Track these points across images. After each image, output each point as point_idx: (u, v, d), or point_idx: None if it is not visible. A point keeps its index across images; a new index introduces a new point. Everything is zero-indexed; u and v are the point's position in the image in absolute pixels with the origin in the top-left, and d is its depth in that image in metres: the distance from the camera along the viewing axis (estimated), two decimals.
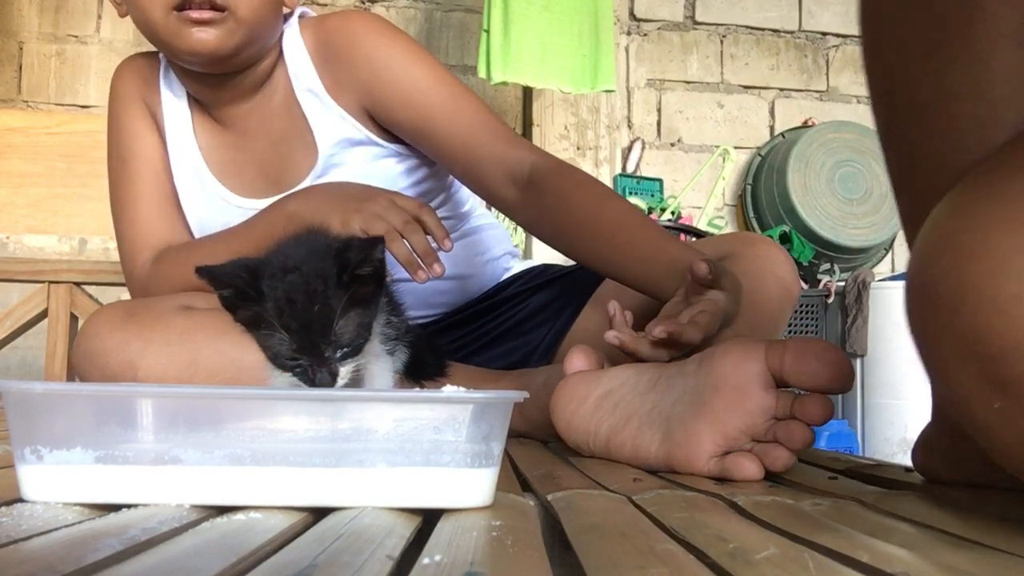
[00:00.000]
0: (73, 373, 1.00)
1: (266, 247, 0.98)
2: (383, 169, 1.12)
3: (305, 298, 0.60)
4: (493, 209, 1.31)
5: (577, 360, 0.81)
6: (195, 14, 0.99)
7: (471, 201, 1.27)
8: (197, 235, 1.14)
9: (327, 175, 1.10)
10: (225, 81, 1.09)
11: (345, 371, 0.63)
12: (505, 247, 1.30)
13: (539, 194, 1.03)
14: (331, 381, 0.62)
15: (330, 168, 1.10)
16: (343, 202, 0.98)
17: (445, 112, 1.07)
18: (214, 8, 0.99)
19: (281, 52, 1.11)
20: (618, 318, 0.83)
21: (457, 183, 1.21)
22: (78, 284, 1.73)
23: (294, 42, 1.11)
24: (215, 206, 1.12)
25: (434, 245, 0.92)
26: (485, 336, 1.22)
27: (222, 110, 1.13)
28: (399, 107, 1.08)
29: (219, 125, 1.14)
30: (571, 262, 1.14)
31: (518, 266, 1.31)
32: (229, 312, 0.64)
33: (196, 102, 1.15)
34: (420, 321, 1.18)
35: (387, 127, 1.11)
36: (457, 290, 1.22)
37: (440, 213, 1.18)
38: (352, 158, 1.11)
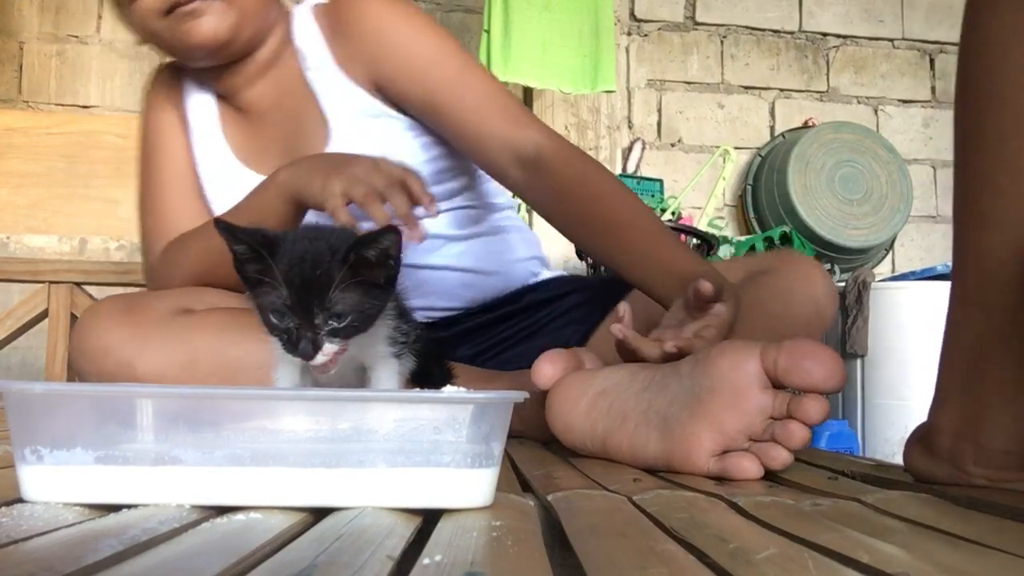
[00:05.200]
0: (73, 373, 1.00)
1: (258, 219, 1.00)
2: (399, 143, 1.11)
3: (312, 261, 0.62)
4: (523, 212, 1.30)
5: (546, 368, 0.80)
6: (185, 7, 1.04)
7: (503, 197, 1.26)
8: None
9: (342, 150, 1.09)
10: (232, 68, 1.13)
11: (328, 348, 0.62)
12: (534, 252, 1.28)
13: (543, 179, 1.03)
14: (312, 353, 0.62)
15: (344, 142, 1.10)
16: (326, 167, 0.98)
17: (452, 87, 1.07)
18: None
19: (291, 39, 1.14)
20: (627, 318, 0.83)
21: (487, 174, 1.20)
22: (78, 284, 1.73)
23: (306, 26, 1.14)
24: (242, 191, 1.11)
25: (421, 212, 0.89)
26: (511, 338, 1.21)
27: (238, 97, 1.16)
28: (406, 80, 1.09)
29: (240, 113, 1.18)
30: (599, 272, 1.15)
31: (546, 274, 1.30)
32: (239, 273, 0.66)
33: (220, 96, 1.19)
34: (443, 316, 1.19)
35: (396, 101, 1.11)
36: (482, 285, 1.21)
37: (463, 200, 1.18)
38: (366, 131, 1.11)
